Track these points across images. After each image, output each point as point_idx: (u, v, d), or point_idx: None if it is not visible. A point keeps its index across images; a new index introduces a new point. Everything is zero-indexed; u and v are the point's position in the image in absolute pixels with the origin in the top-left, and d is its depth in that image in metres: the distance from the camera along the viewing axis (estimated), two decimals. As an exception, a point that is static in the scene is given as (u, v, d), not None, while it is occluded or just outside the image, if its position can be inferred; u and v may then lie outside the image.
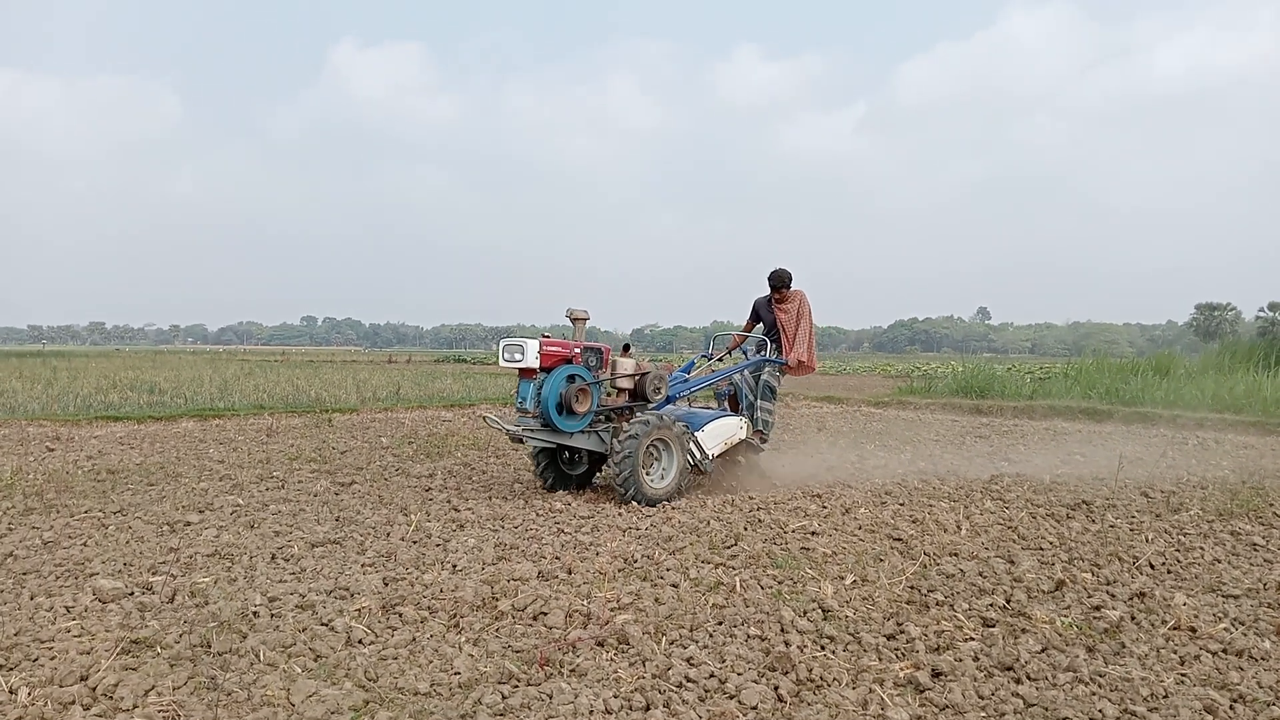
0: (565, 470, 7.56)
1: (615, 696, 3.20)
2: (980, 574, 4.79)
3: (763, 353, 8.50)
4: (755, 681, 3.37)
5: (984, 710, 3.20)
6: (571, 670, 3.49)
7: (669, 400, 7.78)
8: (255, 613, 3.97)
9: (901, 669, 3.53)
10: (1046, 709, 3.18)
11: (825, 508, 6.42)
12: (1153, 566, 5.07)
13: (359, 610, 4.06)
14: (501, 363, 6.83)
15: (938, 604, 4.32)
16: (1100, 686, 3.40)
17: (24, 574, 4.71)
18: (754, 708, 3.17)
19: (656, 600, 4.28)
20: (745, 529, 5.67)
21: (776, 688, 3.32)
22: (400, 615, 4.06)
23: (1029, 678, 3.47)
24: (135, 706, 3.07)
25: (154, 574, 4.68)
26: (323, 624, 3.88)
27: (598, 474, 7.74)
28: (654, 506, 6.64)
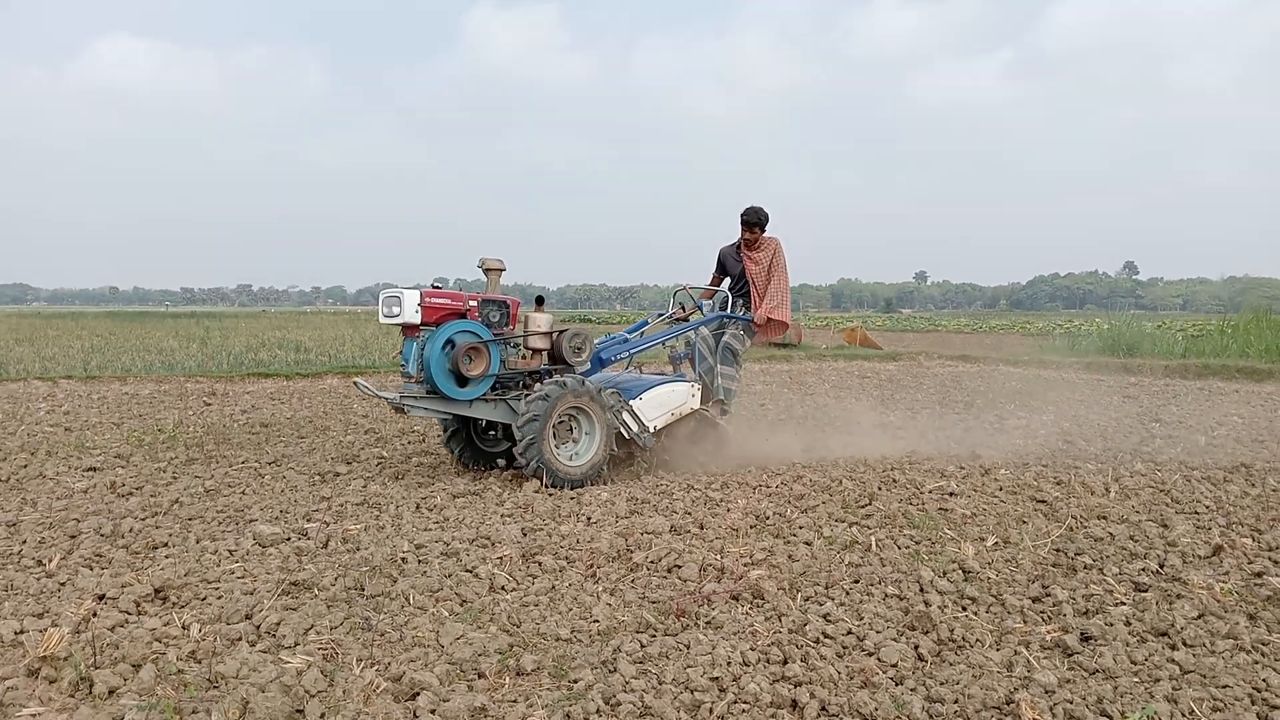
0: (482, 446, 6.63)
1: (752, 649, 3.21)
2: (1131, 537, 4.59)
3: (726, 309, 7.41)
4: (894, 640, 3.32)
5: (1137, 676, 3.08)
6: (708, 622, 3.52)
7: (602, 363, 6.83)
8: (404, 559, 4.14)
9: (1048, 632, 3.43)
10: (1205, 676, 3.05)
11: (963, 468, 6.25)
12: (1322, 534, 4.76)
13: (500, 558, 4.19)
14: (381, 318, 5.86)
15: (1085, 567, 4.17)
16: (1264, 655, 3.22)
17: (189, 519, 5.03)
18: (894, 665, 3.13)
19: (790, 557, 4.27)
20: (879, 488, 5.57)
21: (917, 646, 3.28)
22: (540, 564, 4.16)
23: (1185, 644, 3.32)
24: (296, 644, 3.25)
25: (308, 521, 4.93)
26: (467, 570, 4.02)
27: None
28: (568, 488, 5.75)
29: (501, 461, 6.59)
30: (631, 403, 6.39)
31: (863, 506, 5.18)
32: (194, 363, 15.35)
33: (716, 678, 2.99)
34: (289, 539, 4.57)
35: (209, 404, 10.50)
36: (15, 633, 3.26)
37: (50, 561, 4.18)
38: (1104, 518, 5.01)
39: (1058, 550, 4.40)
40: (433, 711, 2.75)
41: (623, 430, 6.30)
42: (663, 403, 6.65)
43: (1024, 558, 4.29)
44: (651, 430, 6.54)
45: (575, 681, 2.98)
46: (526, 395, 5.96)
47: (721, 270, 7.65)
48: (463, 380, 5.82)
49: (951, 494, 5.43)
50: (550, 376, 6.12)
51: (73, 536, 4.64)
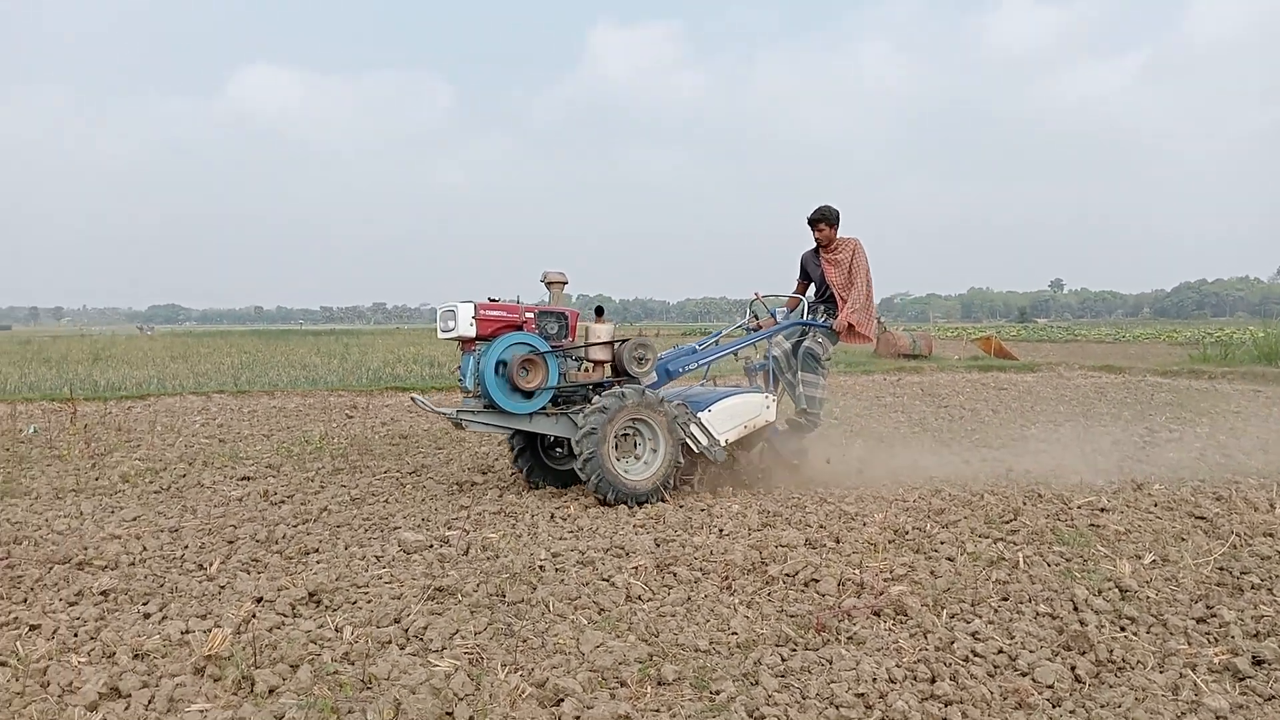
0: (549, 464, 6.43)
1: (898, 666, 3.13)
2: (1303, 557, 4.29)
3: (806, 316, 6.97)
4: (1049, 660, 3.19)
5: (1320, 705, 2.87)
6: (849, 638, 3.45)
7: (669, 375, 6.56)
8: (541, 567, 4.20)
9: (1216, 654, 3.23)
10: (1400, 709, 2.82)
11: (1114, 483, 5.96)
12: None
13: (635, 568, 4.20)
14: (439, 333, 5.86)
15: (1253, 587, 3.91)
16: None
17: (338, 527, 5.22)
18: (1050, 686, 3.00)
19: (932, 573, 4.14)
20: (1024, 503, 5.36)
21: (1074, 667, 3.13)
22: (674, 575, 4.16)
23: (1374, 672, 3.08)
24: (443, 648, 3.33)
25: (449, 529, 5.06)
26: (603, 579, 4.05)
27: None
28: (629, 505, 5.58)
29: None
30: (700, 415, 6.14)
31: (1007, 522, 4.99)
32: (335, 377, 15.96)
33: (862, 694, 2.92)
34: (431, 546, 4.70)
35: (351, 416, 10.91)
36: (181, 633, 3.44)
37: (210, 566, 4.40)
38: (1270, 535, 4.70)
39: (1221, 569, 4.15)
40: (577, 718, 2.77)
41: (690, 443, 6.05)
42: (734, 415, 6.37)
43: (1185, 576, 4.06)
44: (723, 443, 6.26)
45: (717, 693, 2.96)
46: (586, 408, 5.80)
47: (805, 277, 7.18)
48: (514, 392, 5.66)
49: (1102, 510, 5.18)
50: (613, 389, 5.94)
51: (230, 542, 4.87)
